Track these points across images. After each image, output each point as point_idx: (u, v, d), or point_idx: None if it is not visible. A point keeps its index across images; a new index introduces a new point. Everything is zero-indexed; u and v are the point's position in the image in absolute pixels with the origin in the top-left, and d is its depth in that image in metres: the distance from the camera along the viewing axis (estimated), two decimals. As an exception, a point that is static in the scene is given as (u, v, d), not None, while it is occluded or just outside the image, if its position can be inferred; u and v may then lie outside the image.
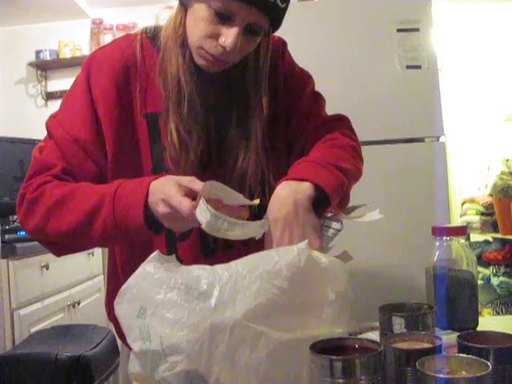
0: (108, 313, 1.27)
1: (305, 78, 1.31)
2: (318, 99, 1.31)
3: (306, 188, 1.03)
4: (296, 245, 0.81)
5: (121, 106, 1.15)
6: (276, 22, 1.10)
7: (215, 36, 1.06)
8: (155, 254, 0.86)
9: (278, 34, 1.22)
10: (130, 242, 1.17)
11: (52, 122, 1.17)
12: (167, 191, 0.97)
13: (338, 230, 1.04)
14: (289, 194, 1.02)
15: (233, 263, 0.79)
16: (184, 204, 0.94)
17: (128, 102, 1.16)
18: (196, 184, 0.97)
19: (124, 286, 0.82)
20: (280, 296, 0.75)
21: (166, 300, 0.76)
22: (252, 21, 1.05)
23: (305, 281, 0.79)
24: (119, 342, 1.26)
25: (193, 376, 0.74)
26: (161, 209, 0.97)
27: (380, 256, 2.28)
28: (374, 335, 0.95)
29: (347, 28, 2.52)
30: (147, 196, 1.00)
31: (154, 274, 0.79)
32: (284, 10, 1.08)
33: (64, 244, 1.14)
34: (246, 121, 1.18)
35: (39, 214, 1.09)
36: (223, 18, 1.04)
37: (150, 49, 1.18)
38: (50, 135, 1.17)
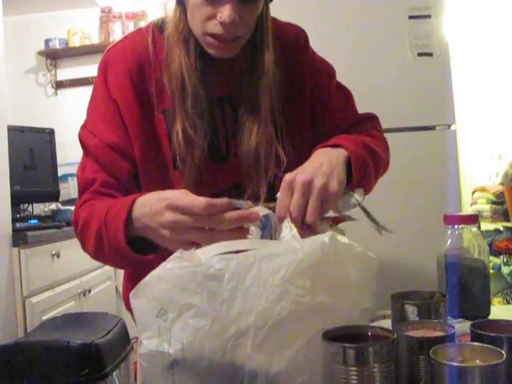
0: (126, 302, 1.27)
1: (329, 71, 1.30)
2: (347, 95, 1.31)
3: (340, 151, 1.05)
4: (321, 238, 0.79)
5: (140, 104, 1.15)
6: None
7: (213, 16, 1.05)
8: (178, 252, 0.84)
9: (288, 20, 1.21)
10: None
11: (84, 134, 1.18)
12: (172, 197, 0.94)
13: (358, 203, 1.03)
14: (325, 154, 1.04)
15: (256, 263, 0.75)
16: (199, 200, 0.90)
17: (146, 99, 1.16)
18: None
19: (143, 282, 0.80)
20: (304, 296, 0.74)
21: (189, 305, 0.74)
22: None
23: (329, 277, 0.77)
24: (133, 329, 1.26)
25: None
26: (166, 217, 0.92)
27: (391, 245, 2.27)
28: (387, 323, 0.95)
29: (358, 14, 2.50)
30: (127, 219, 0.98)
31: (177, 275, 0.77)
32: None
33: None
34: (256, 100, 1.16)
35: (78, 239, 1.14)
36: None
37: (162, 43, 1.17)
38: (84, 147, 1.18)
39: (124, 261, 1.04)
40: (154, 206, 0.95)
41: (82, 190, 1.16)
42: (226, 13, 1.03)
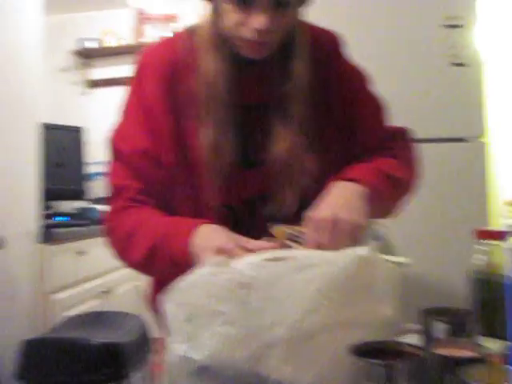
0: (149, 303, 1.27)
1: (363, 78, 1.27)
2: (378, 104, 1.28)
3: (357, 187, 1.04)
4: (356, 251, 0.78)
5: (172, 111, 1.14)
6: None
7: (245, 22, 1.04)
8: (211, 259, 0.84)
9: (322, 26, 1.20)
10: None
11: (116, 138, 1.18)
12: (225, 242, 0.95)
13: (380, 235, 1.03)
14: (341, 190, 1.03)
15: (289, 272, 0.74)
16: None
17: (178, 106, 1.15)
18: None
19: (175, 287, 0.80)
20: (336, 310, 0.72)
21: (219, 313, 0.74)
22: None
23: (361, 291, 0.76)
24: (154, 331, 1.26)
25: None
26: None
27: (419, 258, 2.24)
28: (414, 339, 0.93)
29: (391, 23, 2.47)
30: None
31: (209, 282, 0.77)
32: None
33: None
34: (287, 106, 1.14)
35: (115, 245, 1.14)
36: (244, 2, 1.02)
37: (193, 48, 1.16)
38: (114, 151, 1.18)
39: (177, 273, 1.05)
40: (209, 243, 0.97)
41: (115, 195, 1.15)
42: (258, 20, 1.02)
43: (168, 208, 1.14)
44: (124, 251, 1.12)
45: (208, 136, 1.10)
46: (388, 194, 1.10)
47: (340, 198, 1.01)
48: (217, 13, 1.10)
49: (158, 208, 1.13)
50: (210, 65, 1.11)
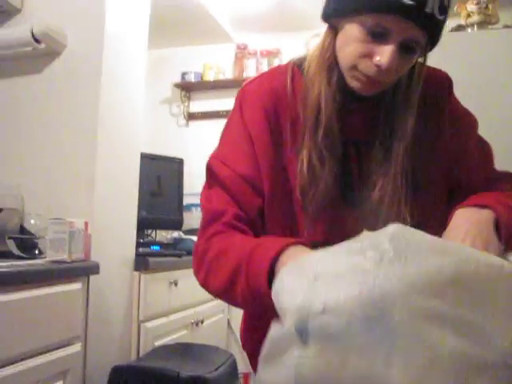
0: (242, 342, 1.22)
1: (472, 121, 1.21)
2: (486, 149, 1.20)
3: (487, 213, 0.96)
4: None
5: (273, 141, 1.11)
6: (434, 37, 1.00)
7: (370, 55, 0.99)
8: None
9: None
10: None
11: (215, 163, 1.14)
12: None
13: None
14: (471, 216, 0.95)
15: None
16: None
17: (279, 137, 1.12)
18: None
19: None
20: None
21: None
22: (408, 36, 0.96)
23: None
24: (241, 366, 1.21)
25: None
26: None
27: None
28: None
29: (494, 61, 2.37)
30: (273, 262, 0.89)
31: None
32: (442, 23, 0.98)
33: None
34: (389, 146, 1.09)
35: (204, 269, 1.06)
36: (377, 35, 0.97)
37: (299, 80, 1.14)
38: (213, 176, 1.14)
39: (255, 303, 0.96)
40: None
41: (209, 220, 1.10)
42: (385, 58, 0.96)
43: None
44: (208, 276, 1.05)
45: (304, 159, 1.06)
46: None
47: (472, 227, 0.92)
48: (335, 35, 1.06)
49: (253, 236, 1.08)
50: (319, 86, 1.07)
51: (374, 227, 0.99)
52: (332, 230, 1.08)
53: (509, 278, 0.70)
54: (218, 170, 1.13)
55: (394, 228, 0.73)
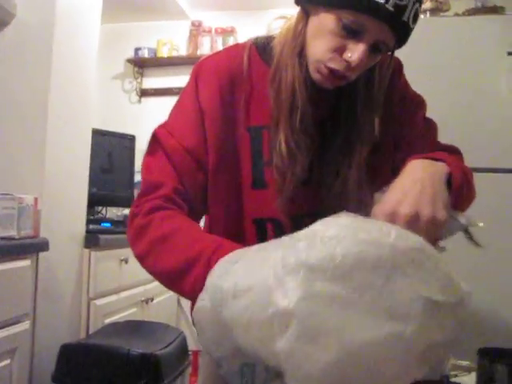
0: (192, 319, 1.23)
1: (418, 103, 1.24)
2: (430, 126, 1.23)
3: (441, 166, 0.96)
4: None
5: (225, 118, 1.12)
6: (401, 42, 1.04)
7: (340, 50, 1.00)
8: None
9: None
10: None
11: (161, 132, 1.14)
12: None
13: (463, 226, 0.93)
14: (425, 167, 0.95)
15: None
16: None
17: (231, 114, 1.13)
18: None
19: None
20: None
21: None
22: (380, 38, 0.99)
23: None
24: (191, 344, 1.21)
25: None
26: None
27: (481, 292, 2.16)
28: (469, 379, 0.87)
29: (456, 49, 2.43)
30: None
31: None
32: (412, 30, 1.03)
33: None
34: (353, 138, 1.11)
35: (143, 245, 1.05)
36: (352, 32, 0.98)
37: (257, 60, 1.15)
38: (158, 144, 1.14)
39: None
40: None
41: (147, 190, 1.09)
42: (356, 55, 0.98)
43: (201, 214, 1.14)
44: (150, 256, 1.04)
45: (282, 143, 1.07)
46: (466, 188, 1.02)
47: (421, 186, 0.90)
48: (305, 28, 1.06)
49: (190, 214, 1.09)
50: (292, 72, 1.07)
51: (332, 208, 1.02)
52: (287, 209, 1.10)
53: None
54: (163, 138, 1.13)
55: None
